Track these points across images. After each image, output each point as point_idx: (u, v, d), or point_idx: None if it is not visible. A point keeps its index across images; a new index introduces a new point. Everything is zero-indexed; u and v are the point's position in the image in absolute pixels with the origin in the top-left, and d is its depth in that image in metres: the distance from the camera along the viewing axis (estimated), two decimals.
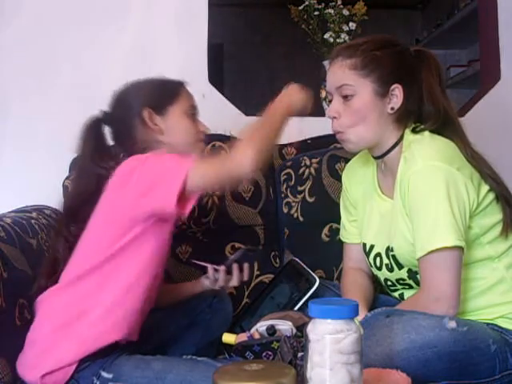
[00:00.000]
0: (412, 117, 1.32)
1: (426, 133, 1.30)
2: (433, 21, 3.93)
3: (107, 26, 1.98)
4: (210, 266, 1.46)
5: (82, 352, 1.21)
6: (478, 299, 1.27)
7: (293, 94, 1.33)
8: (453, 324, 1.14)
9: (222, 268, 1.44)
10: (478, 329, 1.20)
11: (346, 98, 1.29)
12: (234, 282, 1.46)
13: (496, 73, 2.20)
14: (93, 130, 1.40)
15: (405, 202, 1.25)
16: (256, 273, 1.72)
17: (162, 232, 1.27)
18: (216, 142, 1.86)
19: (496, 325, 1.25)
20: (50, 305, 1.27)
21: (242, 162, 1.17)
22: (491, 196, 1.28)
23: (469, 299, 1.27)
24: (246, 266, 1.47)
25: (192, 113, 1.39)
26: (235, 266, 1.45)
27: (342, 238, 1.54)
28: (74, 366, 1.21)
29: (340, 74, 1.30)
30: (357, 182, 1.48)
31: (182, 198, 1.18)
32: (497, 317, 1.26)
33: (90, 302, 1.24)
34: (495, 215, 1.28)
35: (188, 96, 1.41)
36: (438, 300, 1.19)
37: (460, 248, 1.19)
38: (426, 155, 1.23)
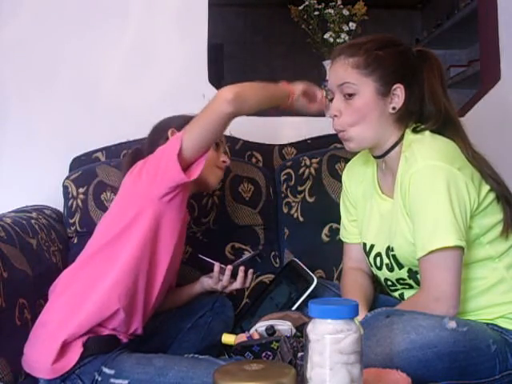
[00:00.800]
0: (413, 117, 1.32)
1: (427, 133, 1.30)
2: (433, 21, 3.93)
3: (107, 25, 1.98)
4: (216, 264, 1.46)
5: (90, 323, 1.26)
6: (478, 299, 1.27)
7: (300, 93, 1.38)
8: (453, 324, 1.14)
9: (229, 267, 1.45)
10: (478, 329, 1.20)
11: (347, 96, 1.29)
12: (237, 284, 1.47)
13: (496, 73, 2.20)
14: (131, 157, 1.47)
15: (405, 201, 1.25)
16: (256, 273, 1.72)
17: (174, 212, 1.32)
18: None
19: (496, 325, 1.25)
20: (63, 285, 1.33)
21: (221, 97, 1.25)
22: (492, 196, 1.28)
23: (469, 299, 1.27)
24: (250, 271, 1.48)
25: (217, 143, 1.47)
26: (241, 269, 1.46)
27: (342, 238, 1.54)
28: (77, 355, 1.23)
29: (342, 72, 1.30)
30: (357, 181, 1.48)
31: (189, 166, 1.28)
32: (497, 317, 1.26)
33: (96, 282, 1.29)
34: (496, 215, 1.28)
35: None
36: (438, 300, 1.19)
37: (460, 248, 1.19)
38: (426, 155, 1.23)
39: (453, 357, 1.12)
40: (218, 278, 1.47)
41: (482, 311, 1.27)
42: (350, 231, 1.50)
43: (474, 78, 3.09)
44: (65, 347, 1.23)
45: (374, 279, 1.47)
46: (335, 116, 1.31)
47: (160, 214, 1.30)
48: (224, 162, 1.49)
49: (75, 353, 1.23)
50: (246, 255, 1.48)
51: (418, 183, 1.22)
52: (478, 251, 1.27)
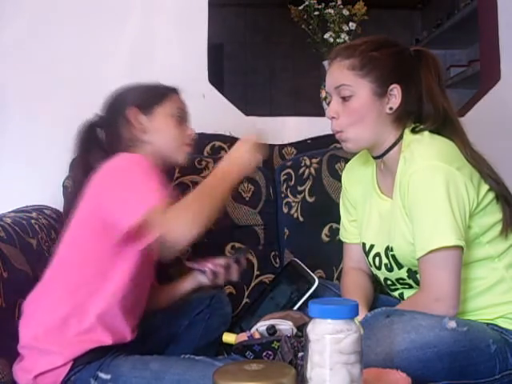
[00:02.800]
0: (411, 117, 1.32)
1: (426, 133, 1.30)
2: (433, 21, 3.93)
3: (107, 26, 1.98)
4: (208, 271, 1.43)
5: (71, 354, 1.20)
6: (478, 299, 1.27)
7: (247, 155, 1.29)
8: (453, 324, 1.14)
9: (221, 271, 1.42)
10: (478, 329, 1.20)
11: (344, 98, 1.29)
12: (234, 276, 1.44)
13: (496, 73, 2.20)
14: (86, 133, 1.42)
15: (404, 201, 1.25)
16: (256, 273, 1.72)
17: (131, 252, 1.24)
18: (216, 142, 1.86)
19: (496, 325, 1.25)
20: (35, 309, 1.26)
21: (176, 230, 1.12)
22: (491, 196, 1.28)
23: (469, 299, 1.27)
24: (242, 259, 1.46)
25: (180, 116, 1.39)
26: (234, 264, 1.44)
27: (341, 238, 1.54)
28: (66, 368, 1.20)
29: (338, 74, 1.30)
30: (356, 181, 1.48)
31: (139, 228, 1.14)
32: (497, 317, 1.26)
33: (71, 306, 1.23)
34: (495, 215, 1.28)
35: (177, 99, 1.41)
36: (438, 300, 1.19)
37: (460, 248, 1.19)
38: (425, 155, 1.23)
39: (453, 357, 1.12)
40: (214, 280, 1.44)
41: (482, 311, 1.27)
42: (350, 231, 1.50)
43: (474, 78, 3.09)
44: (51, 371, 1.20)
45: (374, 279, 1.47)
46: (333, 118, 1.31)
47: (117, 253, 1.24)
48: (190, 134, 1.40)
49: (59, 375, 1.20)
50: (236, 254, 1.45)
51: (416, 183, 1.22)
52: (478, 251, 1.27)
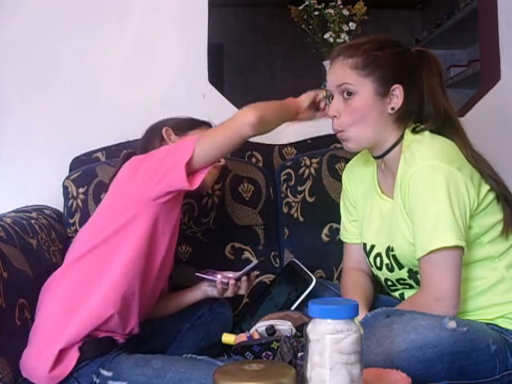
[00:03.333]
0: (412, 117, 1.32)
1: (426, 133, 1.30)
2: (433, 21, 3.93)
3: (107, 26, 1.98)
4: (218, 281, 1.41)
5: (83, 331, 1.24)
6: (478, 299, 1.27)
7: (306, 106, 1.42)
8: (453, 324, 1.14)
9: (232, 282, 1.40)
10: (478, 329, 1.20)
11: (346, 97, 1.29)
12: (242, 291, 1.44)
13: (496, 73, 2.20)
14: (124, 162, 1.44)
15: (405, 201, 1.25)
16: (256, 273, 1.71)
17: (167, 215, 1.32)
18: None
19: (496, 325, 1.25)
20: (53, 292, 1.31)
21: (244, 120, 1.25)
22: (491, 196, 1.28)
23: (469, 299, 1.27)
24: (253, 274, 1.47)
25: None
26: (243, 279, 1.42)
27: (342, 238, 1.54)
28: (73, 361, 1.22)
29: (341, 73, 1.30)
30: (357, 181, 1.48)
31: (192, 173, 1.27)
32: (497, 317, 1.26)
33: (90, 285, 1.28)
34: (495, 215, 1.28)
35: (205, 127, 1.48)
36: (438, 300, 1.19)
37: (460, 248, 1.19)
38: (426, 155, 1.23)
39: (453, 357, 1.12)
40: (223, 291, 1.43)
41: (482, 311, 1.27)
42: (350, 231, 1.50)
43: (474, 78, 3.08)
44: (61, 354, 1.23)
45: (375, 279, 1.47)
46: (334, 117, 1.31)
47: (154, 215, 1.29)
48: (219, 161, 1.47)
49: (72, 359, 1.23)
50: (247, 266, 1.44)
51: (417, 183, 1.22)
52: (478, 251, 1.27)
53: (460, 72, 3.52)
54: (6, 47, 1.95)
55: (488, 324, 1.24)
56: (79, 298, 1.28)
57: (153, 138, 1.46)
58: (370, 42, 1.31)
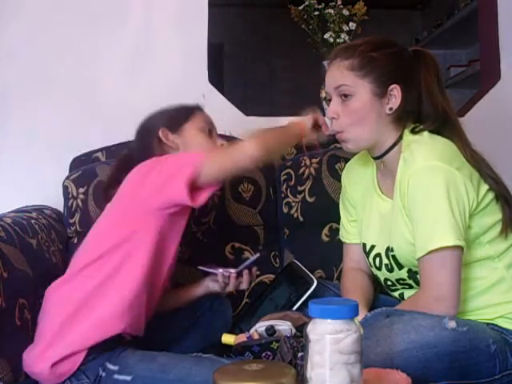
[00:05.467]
0: (411, 117, 1.32)
1: (426, 133, 1.30)
2: (433, 21, 3.93)
3: (107, 26, 1.98)
4: (219, 274, 1.43)
5: (87, 342, 1.23)
6: (478, 299, 1.27)
7: (309, 127, 1.40)
8: (453, 324, 1.14)
9: (233, 276, 1.42)
10: (478, 329, 1.20)
11: (344, 98, 1.30)
12: (244, 285, 1.45)
13: (496, 73, 2.20)
14: (122, 163, 1.46)
15: (404, 202, 1.25)
16: (256, 273, 1.71)
17: (173, 226, 1.32)
18: None
19: (496, 325, 1.25)
20: (57, 297, 1.30)
21: (246, 154, 1.26)
22: (491, 196, 1.28)
23: (469, 299, 1.27)
24: (254, 269, 1.48)
25: (208, 129, 1.45)
26: (245, 272, 1.44)
27: (341, 238, 1.54)
28: (81, 356, 1.23)
29: (338, 74, 1.30)
30: (356, 181, 1.48)
31: (196, 189, 1.26)
32: (497, 317, 1.26)
33: (93, 293, 1.27)
34: (495, 215, 1.28)
35: (203, 115, 1.47)
36: (438, 300, 1.19)
37: (460, 247, 1.19)
38: (425, 155, 1.24)
39: (453, 357, 1.12)
40: (224, 285, 1.45)
41: (482, 311, 1.27)
42: (350, 231, 1.50)
43: (474, 78, 3.09)
44: (67, 358, 1.23)
45: (374, 279, 1.47)
46: (333, 118, 1.32)
47: (160, 227, 1.29)
48: (222, 145, 1.46)
49: (79, 357, 1.23)
50: (248, 260, 1.45)
51: (416, 184, 1.22)
52: (478, 251, 1.27)
53: (460, 72, 3.52)
54: (6, 47, 1.95)
55: (488, 324, 1.24)
56: (84, 312, 1.26)
57: (150, 140, 1.43)
58: (366, 44, 1.31)
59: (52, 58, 1.97)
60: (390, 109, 1.29)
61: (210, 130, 1.45)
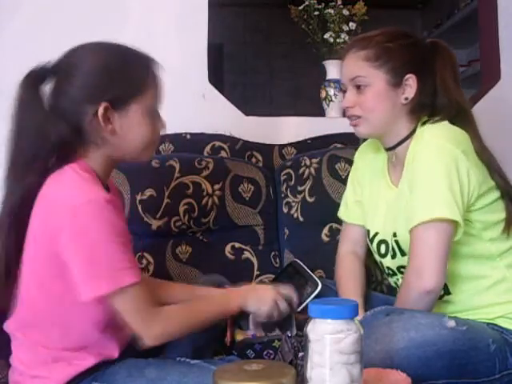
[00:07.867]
0: (425, 111, 1.32)
1: (441, 122, 1.29)
2: (433, 21, 3.93)
3: (107, 25, 1.98)
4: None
5: (62, 378, 1.15)
6: (479, 297, 1.27)
7: (268, 306, 1.26)
8: (452, 323, 1.15)
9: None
10: (478, 328, 1.20)
11: (359, 88, 1.30)
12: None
13: (496, 73, 2.20)
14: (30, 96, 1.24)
15: (410, 179, 1.26)
16: (256, 273, 1.72)
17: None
18: (216, 142, 1.86)
19: (496, 324, 1.25)
20: (17, 353, 1.20)
21: (146, 333, 1.12)
22: (496, 193, 1.28)
23: (470, 297, 1.27)
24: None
25: (155, 109, 1.20)
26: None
27: (341, 217, 1.54)
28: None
29: (353, 65, 1.31)
30: (367, 164, 1.49)
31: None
32: (497, 316, 1.26)
33: (51, 345, 1.17)
34: (499, 213, 1.28)
35: (155, 84, 1.19)
36: (418, 272, 1.19)
37: (453, 222, 1.19)
38: (435, 133, 1.25)
39: (452, 355, 1.13)
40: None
41: (483, 310, 1.27)
42: (352, 210, 1.50)
43: (474, 78, 3.08)
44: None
45: (366, 264, 1.48)
46: (348, 107, 1.32)
47: None
48: (163, 127, 1.22)
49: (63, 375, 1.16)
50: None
51: (421, 158, 1.23)
52: (478, 246, 1.27)
53: (460, 72, 3.51)
54: (6, 47, 1.94)
55: (488, 323, 1.24)
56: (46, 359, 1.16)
57: (81, 106, 1.13)
58: (382, 34, 1.31)
59: (51, 58, 1.96)
60: (406, 99, 1.29)
61: (157, 105, 1.20)
